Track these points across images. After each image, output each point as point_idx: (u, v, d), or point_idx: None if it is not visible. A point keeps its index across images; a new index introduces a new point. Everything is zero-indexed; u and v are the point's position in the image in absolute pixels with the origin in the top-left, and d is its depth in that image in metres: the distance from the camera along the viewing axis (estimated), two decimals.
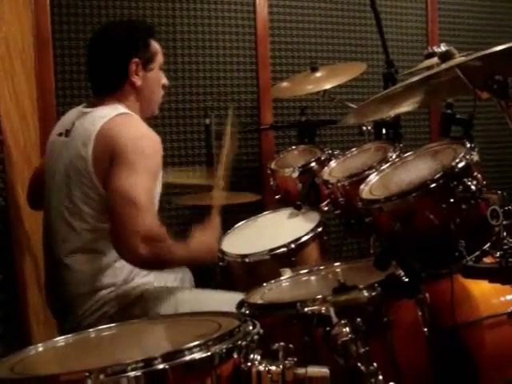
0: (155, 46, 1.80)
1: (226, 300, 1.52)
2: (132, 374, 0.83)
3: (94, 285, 1.63)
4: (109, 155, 1.58)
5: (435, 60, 1.51)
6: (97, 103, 1.73)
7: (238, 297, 1.40)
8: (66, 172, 1.65)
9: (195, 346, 0.88)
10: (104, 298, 1.63)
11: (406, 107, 1.50)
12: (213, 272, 2.17)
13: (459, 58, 1.23)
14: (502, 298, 1.56)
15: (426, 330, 1.31)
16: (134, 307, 1.65)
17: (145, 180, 1.56)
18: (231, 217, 2.19)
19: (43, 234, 1.77)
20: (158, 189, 1.71)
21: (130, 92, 1.76)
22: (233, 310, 1.29)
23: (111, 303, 1.63)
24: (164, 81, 1.84)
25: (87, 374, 0.82)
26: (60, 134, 1.74)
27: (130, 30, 1.85)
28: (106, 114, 1.66)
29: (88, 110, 1.71)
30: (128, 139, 1.60)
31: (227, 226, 2.18)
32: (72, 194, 1.63)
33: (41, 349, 1.07)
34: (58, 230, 1.67)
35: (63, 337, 1.13)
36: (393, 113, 1.62)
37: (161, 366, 0.84)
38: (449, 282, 1.49)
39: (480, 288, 1.56)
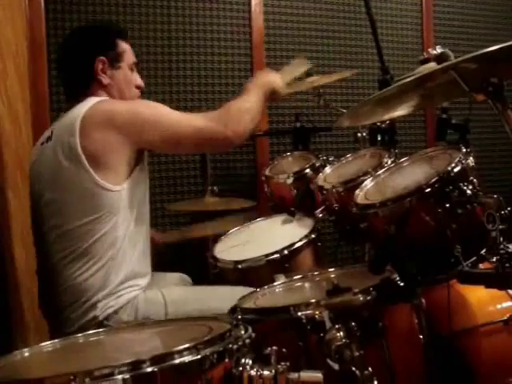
0: (123, 45, 1.81)
1: (217, 295, 1.51)
2: (120, 377, 0.80)
3: (84, 290, 1.60)
4: (110, 129, 1.60)
5: (430, 65, 1.50)
6: (71, 107, 1.73)
7: (227, 291, 1.38)
8: (52, 175, 1.64)
9: (185, 349, 0.85)
10: (94, 303, 1.60)
11: (400, 111, 1.49)
12: (205, 278, 2.15)
13: (453, 60, 1.22)
14: (499, 306, 1.54)
15: (421, 336, 1.28)
16: (124, 312, 1.62)
17: (170, 113, 1.71)
18: None
19: (34, 241, 1.75)
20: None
21: (99, 91, 1.76)
22: (222, 303, 1.27)
23: (100, 308, 1.60)
24: (138, 82, 1.85)
25: (72, 377, 0.79)
26: (42, 144, 1.74)
27: (95, 30, 1.91)
28: (84, 105, 1.66)
29: (64, 113, 1.73)
30: (124, 113, 1.64)
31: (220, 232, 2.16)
32: (60, 195, 1.62)
33: (27, 354, 1.04)
34: (48, 236, 1.65)
35: (50, 342, 1.11)
36: (388, 116, 1.61)
37: (149, 369, 0.82)
38: (444, 288, 1.47)
39: (476, 295, 1.54)
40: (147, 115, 1.65)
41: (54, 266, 1.63)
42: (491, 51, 1.07)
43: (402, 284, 1.23)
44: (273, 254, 1.81)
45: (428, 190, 1.41)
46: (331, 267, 1.60)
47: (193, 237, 2.18)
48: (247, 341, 0.94)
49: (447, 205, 1.39)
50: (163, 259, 2.06)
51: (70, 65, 1.81)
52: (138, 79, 1.86)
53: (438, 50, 1.27)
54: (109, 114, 1.63)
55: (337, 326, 1.02)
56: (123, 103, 1.73)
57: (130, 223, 1.65)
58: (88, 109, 1.63)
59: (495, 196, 1.41)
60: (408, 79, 1.21)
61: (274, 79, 1.90)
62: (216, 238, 2.14)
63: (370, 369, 0.96)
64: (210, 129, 1.67)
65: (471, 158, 1.49)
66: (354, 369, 0.95)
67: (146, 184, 1.75)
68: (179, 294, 1.77)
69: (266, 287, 1.51)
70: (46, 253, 1.67)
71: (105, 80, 1.75)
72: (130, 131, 1.61)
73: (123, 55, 1.80)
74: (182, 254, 2.51)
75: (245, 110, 1.73)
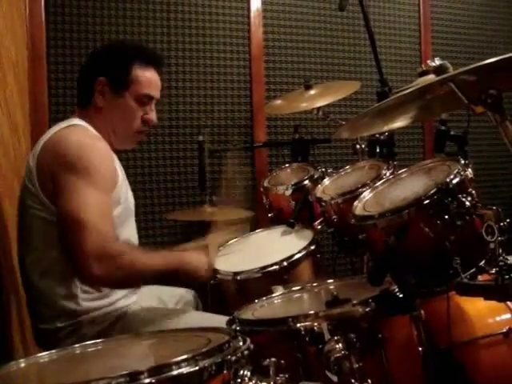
0: (138, 73, 1.68)
1: (214, 323, 1.49)
2: None
3: (68, 308, 1.57)
4: (50, 169, 1.51)
5: (429, 78, 1.51)
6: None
7: (225, 319, 1.37)
8: (22, 192, 1.62)
9: (183, 361, 0.85)
10: (82, 320, 1.58)
11: (399, 122, 1.49)
12: (203, 290, 2.14)
13: (452, 72, 1.22)
14: (498, 318, 1.53)
15: (420, 348, 1.28)
16: (114, 329, 1.60)
17: (93, 196, 1.46)
18: None
19: (18, 256, 1.72)
20: (117, 201, 1.62)
21: (94, 112, 1.68)
22: None
23: (89, 325, 1.58)
24: (147, 117, 1.72)
25: None
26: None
27: (112, 48, 1.83)
28: (59, 126, 1.61)
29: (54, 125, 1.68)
30: (70, 152, 1.50)
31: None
32: (28, 214, 1.59)
33: (23, 364, 1.03)
34: (27, 252, 1.63)
35: (47, 352, 1.09)
36: (387, 128, 1.61)
37: (147, 381, 0.81)
38: (443, 300, 1.46)
39: (475, 307, 1.53)
40: (78, 173, 1.48)
41: (35, 282, 1.60)
42: (490, 63, 1.07)
43: (401, 295, 1.22)
44: (272, 265, 1.79)
45: (427, 201, 1.40)
46: (330, 279, 1.60)
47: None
48: (246, 352, 0.93)
49: (446, 216, 1.39)
50: None
51: (79, 79, 1.76)
52: (149, 114, 1.72)
53: (437, 61, 1.27)
54: (56, 150, 1.54)
55: (336, 338, 1.02)
56: (78, 144, 1.55)
57: None
58: (51, 135, 1.57)
59: (494, 208, 1.41)
60: (407, 91, 1.21)
61: (198, 265, 1.64)
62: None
63: (369, 381, 0.95)
64: (86, 245, 1.40)
65: (470, 169, 1.49)
66: (352, 381, 0.94)
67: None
68: (177, 316, 1.74)
69: (264, 298, 1.51)
70: (27, 268, 1.64)
71: (99, 102, 1.65)
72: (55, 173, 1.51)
73: (132, 83, 1.66)
74: None
75: (135, 267, 1.47)
